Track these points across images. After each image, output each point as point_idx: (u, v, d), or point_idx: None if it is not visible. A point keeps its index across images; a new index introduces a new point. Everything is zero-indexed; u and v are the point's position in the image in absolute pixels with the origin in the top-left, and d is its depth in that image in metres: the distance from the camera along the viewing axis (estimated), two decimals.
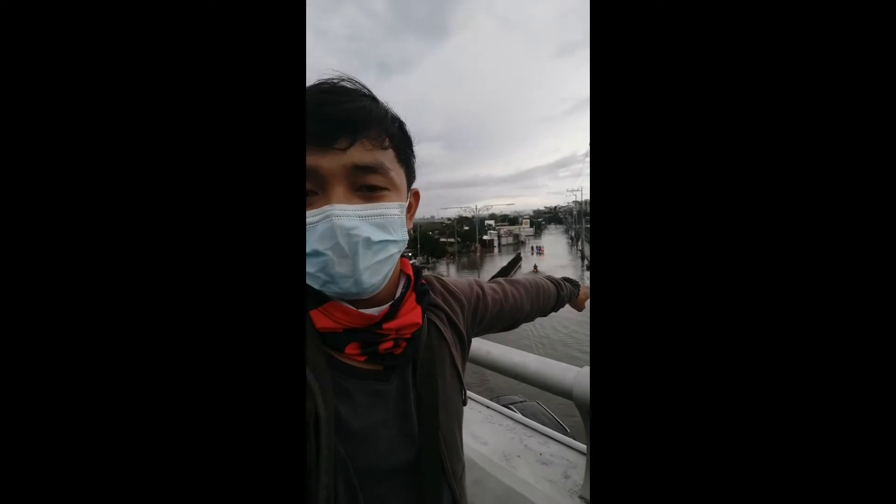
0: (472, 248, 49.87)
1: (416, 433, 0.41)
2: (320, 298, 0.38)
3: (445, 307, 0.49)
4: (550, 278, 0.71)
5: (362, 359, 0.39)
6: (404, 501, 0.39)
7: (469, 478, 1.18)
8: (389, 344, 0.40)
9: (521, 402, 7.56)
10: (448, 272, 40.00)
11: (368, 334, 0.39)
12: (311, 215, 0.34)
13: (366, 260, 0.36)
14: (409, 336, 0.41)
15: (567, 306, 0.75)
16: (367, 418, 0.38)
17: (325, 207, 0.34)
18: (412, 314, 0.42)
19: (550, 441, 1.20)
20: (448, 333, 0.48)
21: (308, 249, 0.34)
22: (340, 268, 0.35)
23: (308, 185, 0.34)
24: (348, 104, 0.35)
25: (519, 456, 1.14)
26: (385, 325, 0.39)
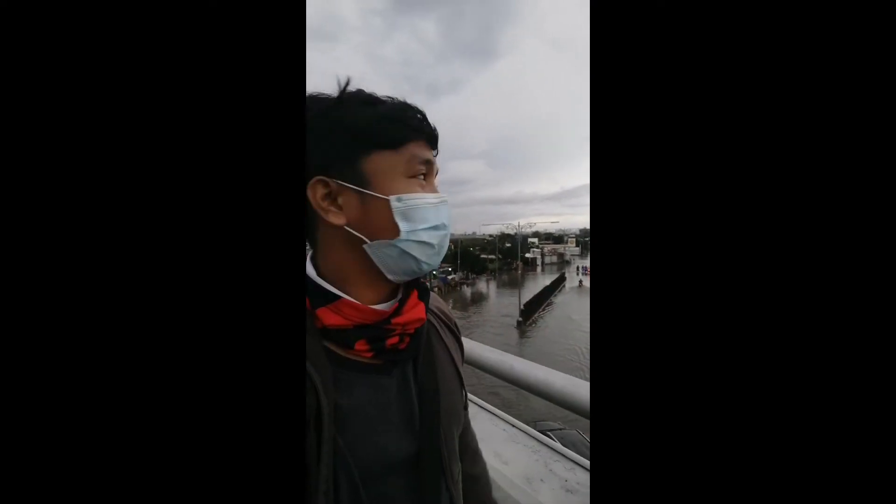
0: (514, 265, 49.10)
1: (416, 427, 0.41)
2: (329, 297, 0.39)
3: (443, 315, 0.51)
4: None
5: (369, 354, 0.39)
6: (405, 498, 0.39)
7: None
8: (395, 339, 0.40)
9: (561, 429, 7.19)
10: (488, 289, 39.62)
11: (377, 330, 0.39)
12: (432, 197, 0.40)
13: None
14: (412, 331, 0.42)
15: None
16: (367, 411, 0.38)
17: (441, 195, 0.41)
18: (416, 310, 0.42)
19: (578, 468, 1.12)
20: (447, 335, 0.49)
21: (436, 222, 0.39)
22: (447, 241, 0.41)
23: (421, 169, 0.39)
24: None
25: (542, 480, 1.07)
26: (393, 321, 0.40)
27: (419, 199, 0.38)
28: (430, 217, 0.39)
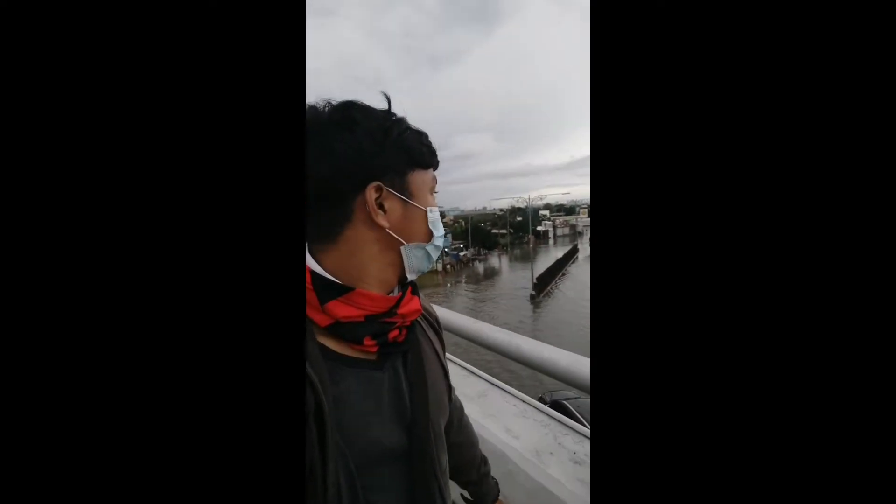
0: (526, 239, 48.81)
1: (407, 420, 0.43)
2: (341, 290, 0.41)
3: (426, 312, 0.54)
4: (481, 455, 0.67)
5: (375, 349, 0.42)
6: (397, 488, 0.41)
7: (499, 470, 1.17)
8: (396, 332, 0.43)
9: (576, 398, 7.30)
10: (500, 264, 39.64)
11: (383, 324, 0.42)
12: (437, 211, 0.47)
13: None
14: (409, 324, 0.46)
15: None
16: (362, 406, 0.40)
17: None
18: (413, 302, 0.46)
19: (586, 440, 1.15)
20: (429, 329, 0.52)
21: (443, 231, 0.47)
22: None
23: (436, 187, 0.47)
24: None
25: (551, 453, 1.11)
26: (397, 311, 0.43)
27: (437, 213, 0.47)
28: (441, 227, 0.47)
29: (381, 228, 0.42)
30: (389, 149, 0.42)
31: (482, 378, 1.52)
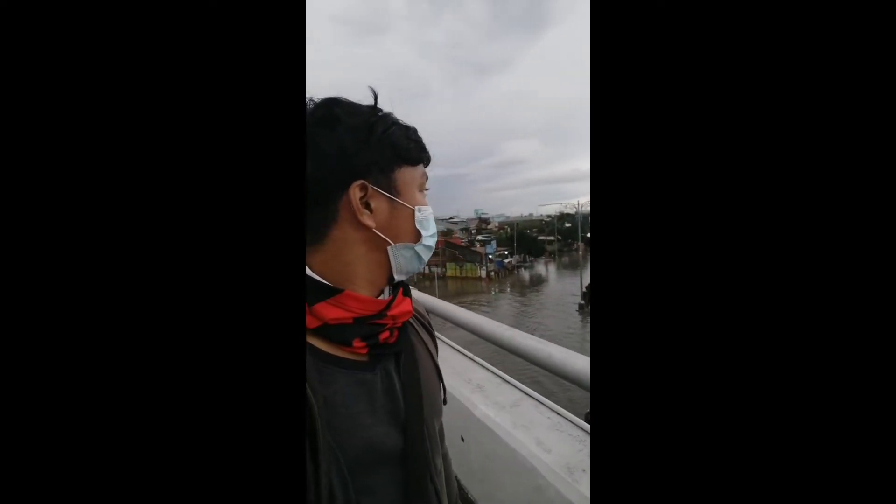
0: (574, 246, 47.04)
1: (401, 421, 0.42)
2: (330, 291, 0.40)
3: (417, 313, 0.53)
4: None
5: (364, 351, 0.41)
6: (392, 491, 0.40)
7: (529, 483, 1.13)
8: (386, 334, 0.42)
9: None
10: (546, 272, 38.50)
11: (373, 326, 0.41)
12: (431, 209, 0.46)
13: None
14: (400, 325, 0.45)
15: None
16: (354, 408, 0.39)
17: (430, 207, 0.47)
18: (404, 304, 0.45)
19: None
20: (422, 331, 0.51)
21: (434, 231, 0.45)
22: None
23: (426, 184, 0.46)
24: None
25: (584, 470, 1.04)
26: (388, 313, 0.42)
27: (428, 211, 0.45)
28: (432, 226, 0.45)
29: (368, 228, 0.40)
30: (374, 146, 0.40)
31: (516, 387, 1.48)
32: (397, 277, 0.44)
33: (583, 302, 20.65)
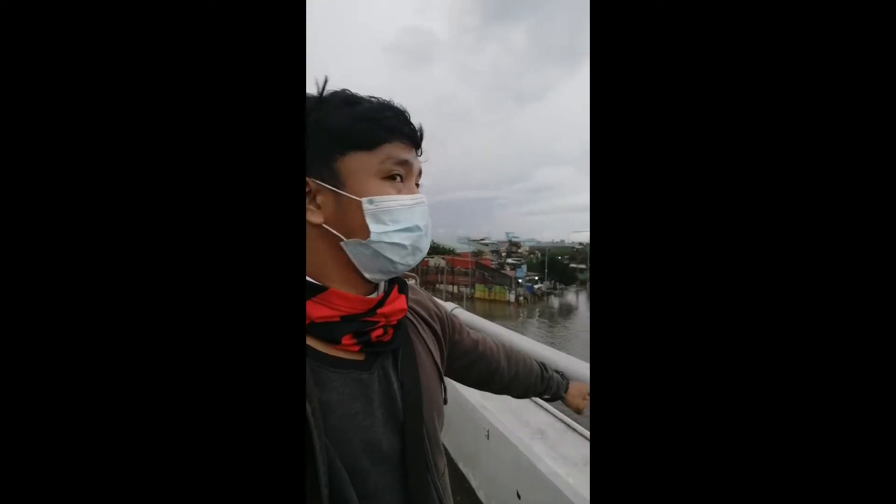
0: None
1: (400, 422, 0.41)
2: (315, 289, 0.39)
3: (421, 310, 0.51)
4: (535, 360, 0.69)
5: (356, 349, 0.40)
6: (393, 493, 0.39)
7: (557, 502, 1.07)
8: (380, 331, 0.41)
9: None
10: (577, 300, 37.13)
11: (363, 323, 0.40)
12: (407, 199, 0.40)
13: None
14: (395, 323, 0.42)
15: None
16: (350, 408, 0.38)
17: (418, 196, 0.41)
18: (399, 301, 0.43)
19: None
20: (425, 330, 0.49)
21: (409, 224, 0.39)
22: (423, 242, 0.41)
23: (397, 170, 0.40)
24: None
25: None
26: (378, 311, 0.40)
27: (392, 202, 0.39)
28: (403, 219, 0.39)
29: (318, 225, 0.38)
30: (313, 134, 0.37)
31: (586, 437, 1.31)
32: (367, 276, 0.40)
33: None
